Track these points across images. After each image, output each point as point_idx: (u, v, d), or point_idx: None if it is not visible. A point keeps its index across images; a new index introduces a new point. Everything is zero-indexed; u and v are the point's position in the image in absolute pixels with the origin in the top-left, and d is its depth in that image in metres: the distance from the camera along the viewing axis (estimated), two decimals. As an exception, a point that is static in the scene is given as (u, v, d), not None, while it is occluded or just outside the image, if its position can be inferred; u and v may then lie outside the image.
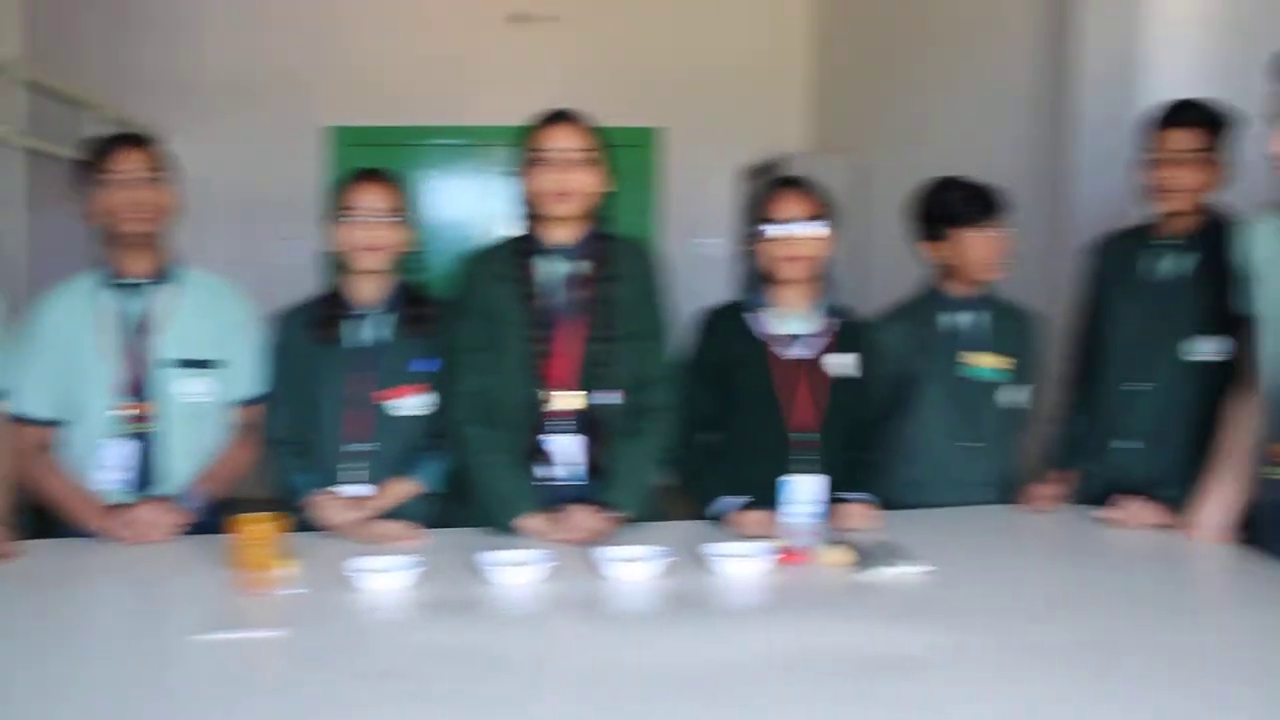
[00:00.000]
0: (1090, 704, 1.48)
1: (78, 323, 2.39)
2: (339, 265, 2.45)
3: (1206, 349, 2.42)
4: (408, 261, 2.48)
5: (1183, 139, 2.37)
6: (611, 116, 7.03)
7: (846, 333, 2.52)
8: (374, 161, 5.82)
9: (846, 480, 2.46)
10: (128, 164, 2.35)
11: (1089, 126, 3.32)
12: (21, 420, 2.37)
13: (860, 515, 2.37)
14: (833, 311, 2.53)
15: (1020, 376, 2.67)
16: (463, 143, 6.32)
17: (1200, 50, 3.12)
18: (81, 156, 2.45)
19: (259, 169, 6.06)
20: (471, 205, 6.27)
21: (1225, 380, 2.36)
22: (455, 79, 6.20)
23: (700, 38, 6.39)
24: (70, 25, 5.78)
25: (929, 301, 2.68)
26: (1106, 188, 3.01)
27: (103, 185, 2.34)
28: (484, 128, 6.21)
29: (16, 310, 2.50)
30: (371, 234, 2.37)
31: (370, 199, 2.39)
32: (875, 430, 2.58)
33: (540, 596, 1.95)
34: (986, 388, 2.63)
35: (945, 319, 2.65)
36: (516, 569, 1.99)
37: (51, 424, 2.39)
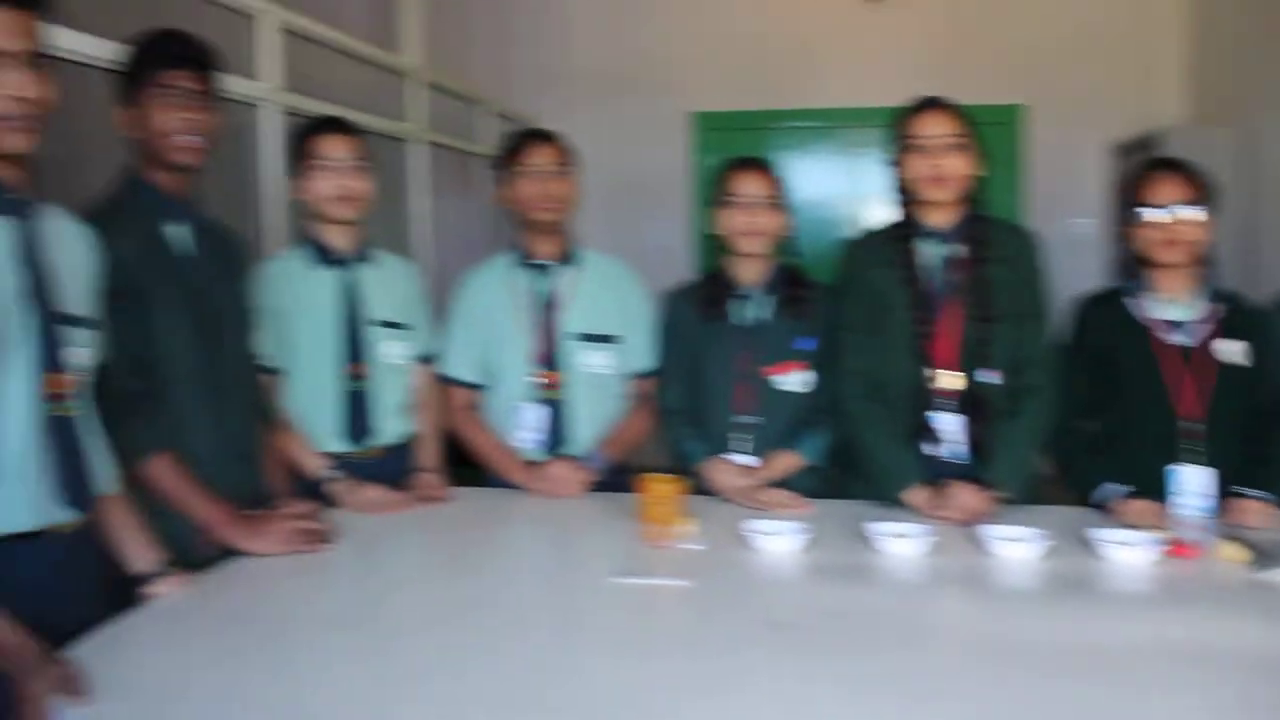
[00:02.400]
0: None
1: (496, 298, 2.70)
2: (723, 248, 2.61)
3: None
4: (785, 245, 2.62)
5: None
6: (972, 94, 6.87)
7: (1235, 319, 2.41)
8: (735, 146, 6.09)
9: (1241, 475, 2.34)
10: (539, 158, 2.63)
11: None
12: (450, 382, 2.71)
13: (1258, 512, 2.27)
14: (1217, 297, 2.42)
15: None
16: (818, 125, 6.40)
17: None
18: (499, 150, 2.74)
19: (627, 154, 6.40)
20: (828, 187, 6.36)
21: None
22: (812, 61, 6.29)
23: (1064, 7, 6.13)
24: (460, 31, 6.37)
25: None
26: None
27: (517, 176, 2.63)
28: (840, 110, 6.28)
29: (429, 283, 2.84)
30: (752, 220, 2.52)
31: (750, 186, 2.53)
32: (1273, 423, 2.44)
33: (923, 568, 2.04)
34: None
35: None
36: (902, 540, 2.08)
37: (475, 387, 2.71)
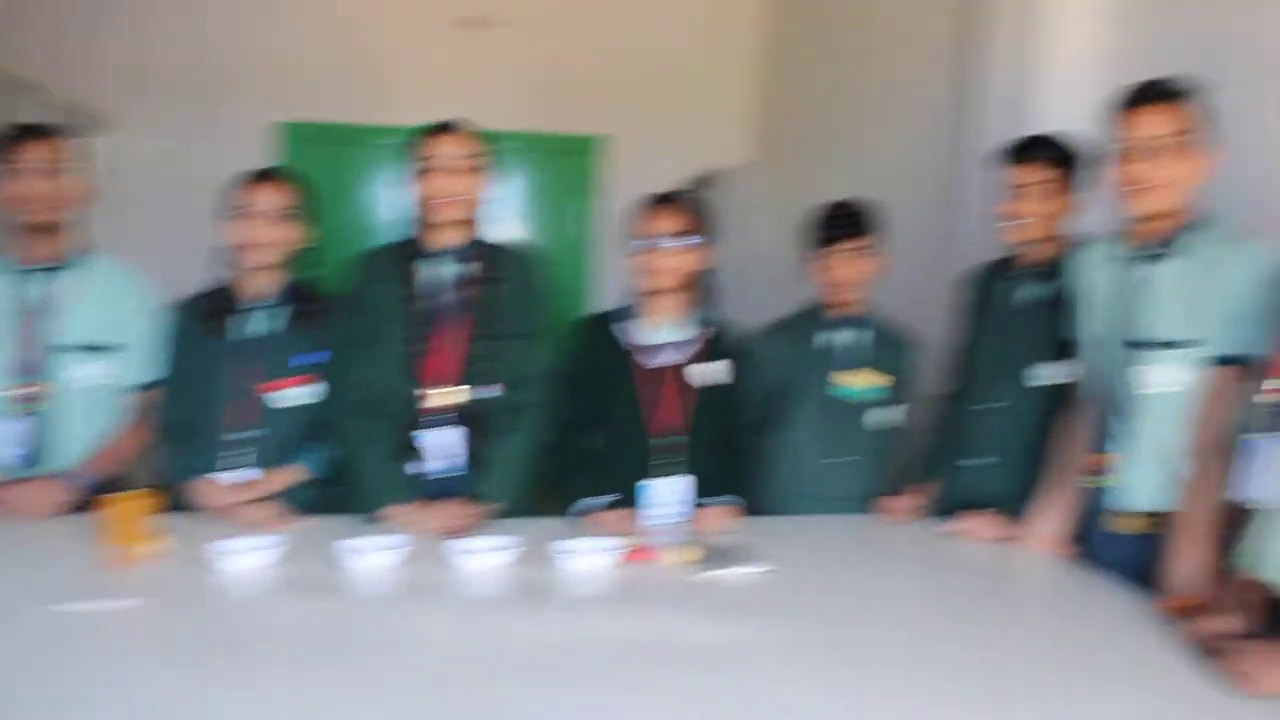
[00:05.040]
0: (897, 696, 1.63)
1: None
2: (231, 260, 2.55)
3: (1047, 373, 2.55)
4: (301, 258, 2.60)
5: (1028, 173, 2.51)
6: (554, 123, 7.06)
7: (718, 342, 2.66)
8: (323, 158, 5.97)
9: (714, 484, 2.59)
10: (31, 155, 2.45)
11: (981, 159, 3.47)
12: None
13: (717, 518, 2.51)
14: (706, 322, 2.66)
15: (895, 396, 2.81)
16: (397, 142, 6.36)
17: (1088, 87, 3.27)
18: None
19: (203, 161, 6.10)
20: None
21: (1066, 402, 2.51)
22: (402, 79, 6.28)
23: (649, 50, 6.47)
24: (13, 7, 5.83)
25: (809, 319, 2.82)
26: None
27: (7, 175, 2.44)
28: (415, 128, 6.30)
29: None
30: (260, 231, 2.48)
31: (263, 197, 2.50)
32: (745, 437, 2.71)
33: (393, 581, 2.08)
34: (856, 407, 2.77)
35: (821, 337, 2.78)
36: (369, 554, 2.11)
37: (-55, 400, 2.48)
